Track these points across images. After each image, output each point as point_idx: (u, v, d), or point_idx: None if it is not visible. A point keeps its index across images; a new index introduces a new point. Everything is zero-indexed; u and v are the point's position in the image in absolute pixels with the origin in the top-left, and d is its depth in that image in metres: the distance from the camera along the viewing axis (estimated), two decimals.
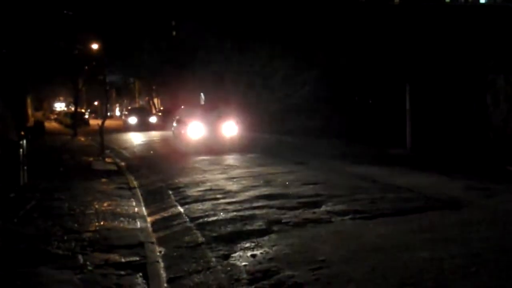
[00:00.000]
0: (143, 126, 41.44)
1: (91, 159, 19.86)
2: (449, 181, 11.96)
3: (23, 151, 12.47)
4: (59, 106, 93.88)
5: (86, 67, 42.06)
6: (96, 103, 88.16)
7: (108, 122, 47.61)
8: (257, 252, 6.95)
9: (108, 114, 67.05)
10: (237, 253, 6.95)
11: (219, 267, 6.46)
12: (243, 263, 6.53)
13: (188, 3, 38.60)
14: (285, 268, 6.19)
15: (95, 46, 39.40)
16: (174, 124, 24.24)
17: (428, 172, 13.65)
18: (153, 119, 44.25)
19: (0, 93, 23.40)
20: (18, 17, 25.86)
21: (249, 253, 6.91)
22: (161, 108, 60.59)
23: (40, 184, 12.91)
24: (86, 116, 60.64)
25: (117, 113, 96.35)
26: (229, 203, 10.14)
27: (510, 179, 12.25)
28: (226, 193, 11.36)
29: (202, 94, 51.00)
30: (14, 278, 6.22)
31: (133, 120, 43.08)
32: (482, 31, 26.00)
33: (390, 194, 10.33)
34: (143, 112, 46.88)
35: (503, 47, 22.66)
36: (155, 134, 35.04)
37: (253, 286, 5.77)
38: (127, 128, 42.20)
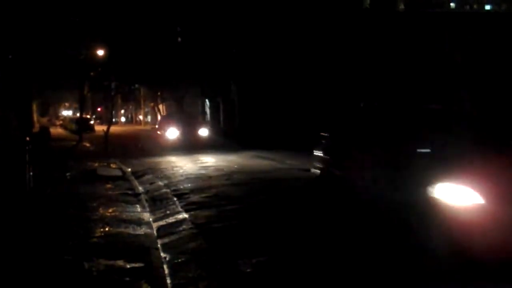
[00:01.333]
0: (191, 144, 26.67)
1: (96, 164, 19.92)
2: None
3: (29, 157, 12.52)
4: (66, 113, 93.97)
5: (92, 73, 42.14)
6: (99, 109, 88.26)
7: (118, 129, 47.64)
8: None
9: (114, 120, 67.21)
10: None
11: None
12: None
13: (195, 9, 38.67)
14: None
15: (100, 52, 39.52)
16: (320, 153, 11.53)
17: None
18: (203, 132, 28.79)
19: (5, 98, 23.51)
20: (24, 23, 25.97)
21: None
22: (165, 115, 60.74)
23: (46, 190, 12.96)
24: (92, 122, 60.56)
25: (123, 119, 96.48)
26: None
27: None
28: None
29: (207, 100, 51.10)
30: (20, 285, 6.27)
31: (173, 133, 27.56)
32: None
33: None
34: (188, 120, 30.31)
35: None
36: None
37: None
38: (164, 145, 27.29)
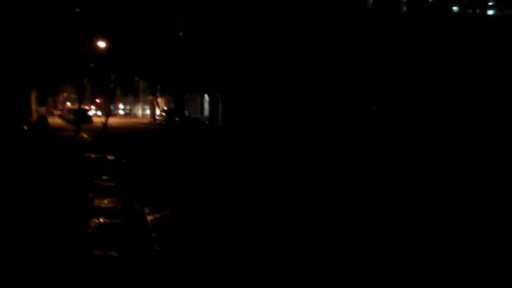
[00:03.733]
0: None
1: (93, 156, 19.84)
2: None
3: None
4: (69, 104, 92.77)
5: (92, 65, 42.04)
6: (98, 100, 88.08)
7: (117, 121, 47.41)
8: None
9: (112, 112, 67.10)
10: None
11: None
12: None
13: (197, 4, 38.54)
14: None
15: (101, 44, 39.40)
16: None
17: None
18: None
19: (4, 87, 23.41)
20: (24, 12, 25.85)
21: None
22: (165, 108, 60.64)
23: (40, 178, 12.91)
24: (90, 113, 60.40)
25: (121, 112, 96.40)
26: None
27: None
28: None
29: (206, 95, 51.03)
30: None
31: None
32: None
33: None
34: None
35: None
36: None
37: None
38: None
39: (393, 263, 7.07)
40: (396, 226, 9.21)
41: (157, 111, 63.65)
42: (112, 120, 42.46)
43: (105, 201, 10.70)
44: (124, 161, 18.70)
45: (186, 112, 57.47)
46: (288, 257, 7.27)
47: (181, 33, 47.83)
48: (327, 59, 29.35)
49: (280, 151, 24.65)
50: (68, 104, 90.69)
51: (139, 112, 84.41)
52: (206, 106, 55.15)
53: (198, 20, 39.46)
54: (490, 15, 41.76)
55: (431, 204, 11.46)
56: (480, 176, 16.41)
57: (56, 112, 76.33)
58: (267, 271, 6.70)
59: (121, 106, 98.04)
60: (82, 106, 48.17)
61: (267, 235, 8.49)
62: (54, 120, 55.97)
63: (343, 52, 28.59)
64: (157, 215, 9.93)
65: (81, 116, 41.82)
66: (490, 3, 43.69)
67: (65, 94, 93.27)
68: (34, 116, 43.99)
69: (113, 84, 49.77)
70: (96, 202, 10.59)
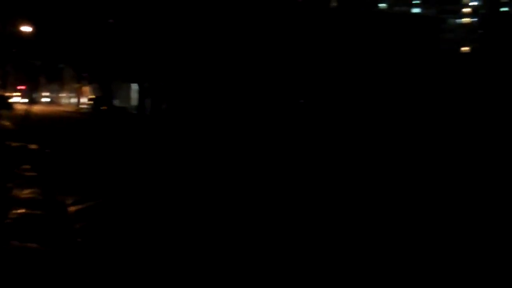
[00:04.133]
0: None
1: (14, 144, 19.18)
2: None
3: None
4: None
5: (15, 50, 40.62)
6: (22, 87, 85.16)
7: (41, 109, 45.96)
8: None
9: (37, 99, 65.08)
10: None
11: None
12: None
13: None
14: None
15: (25, 28, 38.07)
16: None
17: None
18: None
19: None
20: None
21: None
22: (91, 96, 59.33)
23: None
24: (10, 100, 58.29)
25: (46, 99, 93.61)
26: None
27: None
28: None
29: (132, 84, 50.29)
30: None
31: None
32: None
33: None
34: None
35: None
36: None
37: None
38: None
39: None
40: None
41: (84, 100, 62.26)
42: (36, 108, 41.28)
43: (26, 192, 10.39)
44: (48, 151, 18.20)
45: (115, 101, 56.42)
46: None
47: (111, 20, 46.88)
48: (257, 53, 29.51)
49: (201, 141, 24.74)
50: None
51: (65, 100, 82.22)
52: (135, 95, 54.34)
53: (128, 8, 38.79)
54: (414, 13, 43.15)
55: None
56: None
57: None
58: (190, 261, 6.72)
59: (46, 93, 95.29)
60: (4, 93, 46.54)
61: (190, 227, 8.49)
62: None
63: (273, 46, 28.83)
64: (80, 206, 9.73)
65: (2, 103, 40.56)
66: (415, 2, 45.32)
67: None
68: None
69: (38, 71, 48.20)
70: (16, 192, 10.26)
